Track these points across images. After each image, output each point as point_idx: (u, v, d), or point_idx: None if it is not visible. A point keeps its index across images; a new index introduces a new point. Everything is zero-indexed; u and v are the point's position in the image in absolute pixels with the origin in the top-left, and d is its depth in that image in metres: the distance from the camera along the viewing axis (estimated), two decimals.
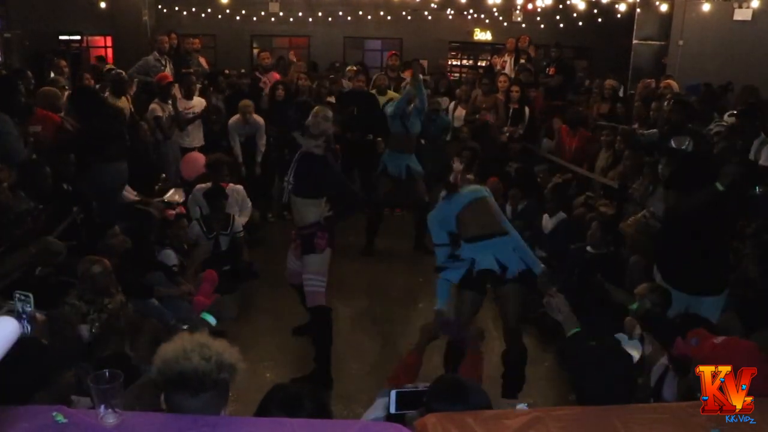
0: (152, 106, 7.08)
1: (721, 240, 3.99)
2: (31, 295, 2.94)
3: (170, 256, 5.03)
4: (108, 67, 9.13)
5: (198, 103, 7.35)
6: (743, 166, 3.81)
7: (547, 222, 6.22)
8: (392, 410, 2.11)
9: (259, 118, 7.55)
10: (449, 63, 16.08)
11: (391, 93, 8.16)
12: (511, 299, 4.04)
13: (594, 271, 4.96)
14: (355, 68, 9.10)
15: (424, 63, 11.97)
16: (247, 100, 7.64)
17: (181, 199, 6.24)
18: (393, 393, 2.12)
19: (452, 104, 8.56)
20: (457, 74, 15.29)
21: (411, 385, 2.25)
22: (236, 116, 7.55)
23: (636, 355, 3.46)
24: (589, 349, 2.48)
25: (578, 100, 8.69)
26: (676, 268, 4.07)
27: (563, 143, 7.48)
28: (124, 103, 7.44)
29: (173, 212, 5.47)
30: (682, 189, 3.93)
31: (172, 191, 6.37)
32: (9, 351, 2.26)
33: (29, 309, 2.96)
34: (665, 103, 6.61)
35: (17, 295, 2.93)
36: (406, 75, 9.40)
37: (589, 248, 5.31)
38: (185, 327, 2.73)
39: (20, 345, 2.51)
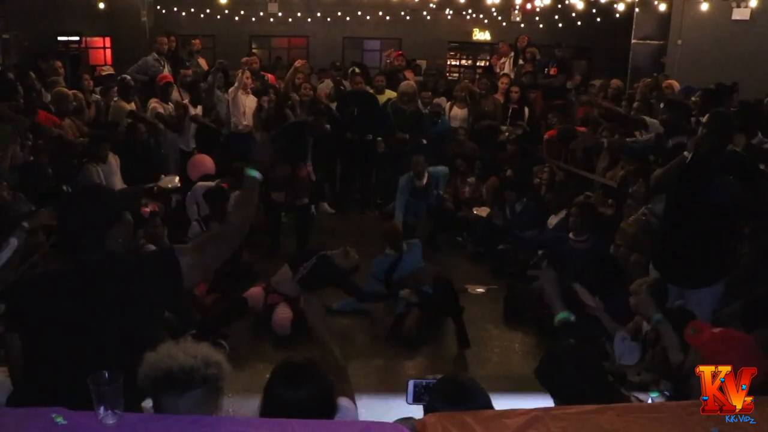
0: (153, 104, 7.08)
1: (712, 233, 3.97)
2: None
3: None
4: (106, 70, 9.12)
5: (198, 108, 7.35)
6: (717, 139, 3.86)
7: (552, 220, 6.23)
8: (409, 401, 2.12)
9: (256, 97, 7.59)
10: (449, 63, 16.11)
11: (388, 92, 8.19)
12: None
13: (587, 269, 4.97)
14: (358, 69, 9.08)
15: (423, 63, 11.97)
16: (248, 70, 7.71)
17: (171, 185, 6.18)
18: (411, 383, 2.12)
19: (449, 104, 8.58)
20: (456, 74, 15.31)
21: (431, 376, 2.25)
22: (235, 87, 7.54)
23: (634, 358, 3.47)
24: (557, 354, 2.47)
25: (580, 100, 8.68)
26: (667, 259, 4.12)
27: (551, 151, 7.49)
28: (132, 107, 7.45)
29: (147, 210, 5.43)
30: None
31: (166, 177, 6.30)
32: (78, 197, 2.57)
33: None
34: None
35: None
36: (407, 75, 9.41)
37: (571, 235, 5.33)
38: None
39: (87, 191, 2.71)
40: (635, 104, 7.39)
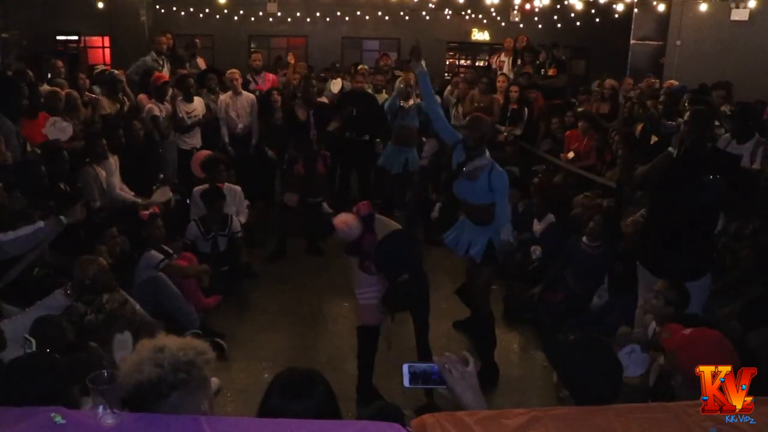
0: (149, 105, 7.06)
1: (697, 226, 4.03)
2: (33, 341, 3.11)
3: (155, 257, 5.00)
4: (100, 68, 9.10)
5: (198, 104, 7.33)
6: (698, 136, 3.93)
7: (537, 226, 6.21)
8: (406, 384, 2.10)
9: (249, 95, 7.57)
10: (454, 63, 16.17)
11: (386, 93, 8.21)
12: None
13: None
14: (366, 68, 9.04)
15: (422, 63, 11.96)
16: (235, 70, 7.67)
17: (164, 199, 6.17)
18: (405, 367, 2.06)
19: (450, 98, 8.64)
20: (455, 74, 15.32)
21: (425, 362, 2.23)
22: (226, 93, 7.54)
23: (642, 369, 3.47)
24: (569, 342, 2.52)
25: (580, 100, 8.69)
26: (652, 253, 4.17)
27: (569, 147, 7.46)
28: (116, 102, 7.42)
29: (146, 212, 5.44)
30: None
31: (158, 192, 6.29)
32: (20, 364, 2.38)
33: (30, 351, 3.13)
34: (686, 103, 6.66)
35: (24, 337, 3.15)
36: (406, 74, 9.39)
37: (584, 239, 5.34)
38: None
39: (31, 359, 2.60)
40: (651, 103, 7.38)
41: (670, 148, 3.94)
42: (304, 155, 6.39)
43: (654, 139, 6.28)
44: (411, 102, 7.00)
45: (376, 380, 4.25)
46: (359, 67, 8.71)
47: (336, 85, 8.62)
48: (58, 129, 5.63)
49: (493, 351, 4.62)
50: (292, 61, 8.42)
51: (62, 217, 3.95)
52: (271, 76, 8.79)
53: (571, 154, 7.28)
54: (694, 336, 2.62)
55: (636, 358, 3.63)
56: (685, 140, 3.88)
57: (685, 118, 4.06)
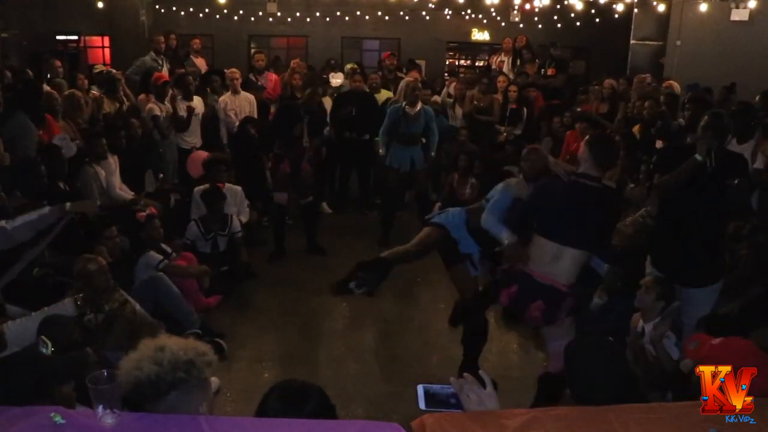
0: (149, 105, 7.06)
1: (710, 232, 4.01)
2: (49, 342, 3.13)
3: (154, 258, 5.01)
4: (99, 68, 9.12)
5: (198, 103, 7.34)
6: (721, 143, 3.91)
7: None
8: (422, 406, 2.06)
9: (249, 95, 7.60)
10: (454, 63, 16.19)
11: (384, 92, 8.19)
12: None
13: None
14: (355, 66, 9.00)
15: (422, 63, 11.96)
16: (234, 69, 7.68)
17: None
18: (420, 388, 2.04)
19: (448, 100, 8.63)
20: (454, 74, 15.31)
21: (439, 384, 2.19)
22: (226, 94, 7.55)
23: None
24: (579, 344, 2.50)
25: (579, 100, 8.69)
26: (666, 258, 4.15)
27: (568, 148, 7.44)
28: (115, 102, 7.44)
29: (143, 214, 5.45)
30: (666, 171, 4.07)
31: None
32: (10, 360, 2.39)
33: (45, 352, 3.14)
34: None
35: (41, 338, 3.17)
36: (413, 75, 9.37)
37: None
38: None
39: (20, 355, 2.61)
40: (636, 103, 7.37)
41: (697, 156, 3.84)
42: (289, 154, 6.37)
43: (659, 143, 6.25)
44: (419, 106, 6.90)
45: (378, 378, 4.24)
46: (348, 66, 8.69)
47: (336, 78, 8.55)
48: (66, 147, 5.64)
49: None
50: (294, 65, 8.46)
51: (67, 204, 3.92)
52: (273, 76, 8.77)
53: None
54: (723, 345, 2.57)
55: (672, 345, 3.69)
56: (711, 148, 3.82)
57: (702, 123, 3.99)
